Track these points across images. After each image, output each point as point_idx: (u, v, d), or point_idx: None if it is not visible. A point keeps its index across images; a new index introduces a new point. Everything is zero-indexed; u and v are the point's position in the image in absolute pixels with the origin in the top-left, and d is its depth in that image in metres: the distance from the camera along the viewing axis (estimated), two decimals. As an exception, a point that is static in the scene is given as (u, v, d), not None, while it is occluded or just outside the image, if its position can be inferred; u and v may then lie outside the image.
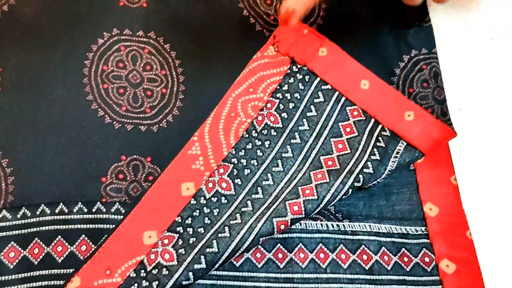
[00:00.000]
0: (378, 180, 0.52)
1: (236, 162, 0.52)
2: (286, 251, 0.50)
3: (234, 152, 0.53)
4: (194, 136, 0.53)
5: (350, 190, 0.50)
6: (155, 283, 0.45)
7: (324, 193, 0.49)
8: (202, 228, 0.48)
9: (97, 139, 0.52)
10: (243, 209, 0.49)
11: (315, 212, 0.49)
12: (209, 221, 0.49)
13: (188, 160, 0.52)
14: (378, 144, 0.53)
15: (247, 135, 0.54)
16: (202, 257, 0.46)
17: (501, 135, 0.58)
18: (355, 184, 0.50)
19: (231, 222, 0.48)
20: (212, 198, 0.50)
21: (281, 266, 0.50)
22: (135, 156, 0.52)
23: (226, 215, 0.49)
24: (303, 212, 0.48)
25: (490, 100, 0.59)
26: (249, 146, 0.53)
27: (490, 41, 0.62)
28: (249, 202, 0.50)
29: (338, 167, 0.51)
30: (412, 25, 0.61)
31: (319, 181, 0.50)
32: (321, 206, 0.49)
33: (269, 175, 0.52)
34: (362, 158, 0.52)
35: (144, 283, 0.45)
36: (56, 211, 0.48)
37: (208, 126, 0.53)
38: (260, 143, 0.53)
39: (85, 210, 0.49)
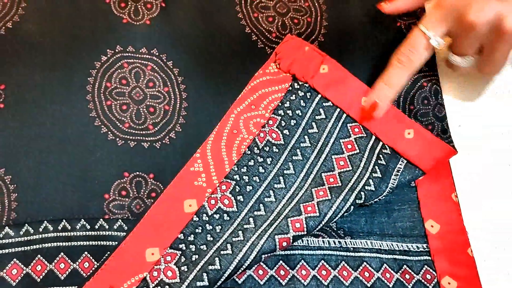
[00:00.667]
0: (380, 197, 0.52)
1: (238, 179, 0.52)
2: (288, 268, 0.50)
3: (236, 169, 0.53)
4: (196, 153, 0.53)
5: (352, 207, 0.50)
6: (157, 301, 0.45)
7: (326, 210, 0.49)
8: (204, 245, 0.48)
9: (100, 156, 0.52)
10: (245, 226, 0.49)
11: (317, 229, 0.49)
12: (211, 238, 0.49)
13: (191, 177, 0.52)
14: (379, 161, 0.53)
15: (249, 152, 0.54)
16: (205, 274, 0.46)
17: (502, 151, 0.58)
18: (357, 201, 0.50)
19: (234, 239, 0.48)
20: (215, 215, 0.50)
21: (283, 283, 0.50)
22: (138, 173, 0.52)
23: (228, 232, 0.49)
24: (305, 229, 0.48)
25: (490, 116, 0.60)
26: (251, 163, 0.53)
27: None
28: (251, 219, 0.50)
29: (340, 184, 0.52)
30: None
31: (320, 198, 0.50)
32: (323, 223, 0.49)
33: (271, 191, 0.52)
34: (363, 175, 0.52)
35: (147, 301, 0.45)
36: (59, 228, 0.48)
37: (210, 143, 0.54)
38: (262, 160, 0.54)
39: (88, 227, 0.49)
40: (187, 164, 0.52)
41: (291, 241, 0.48)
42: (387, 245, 0.52)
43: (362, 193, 0.51)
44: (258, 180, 0.53)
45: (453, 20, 0.50)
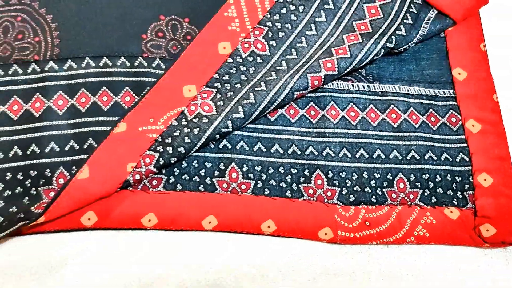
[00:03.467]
0: (410, 44, 0.53)
1: (271, 25, 0.54)
2: (318, 108, 0.52)
3: (269, 16, 0.54)
4: (229, -1, 0.54)
5: (382, 51, 0.52)
6: (196, 130, 0.47)
7: (357, 52, 0.51)
8: (239, 84, 0.51)
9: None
10: (278, 68, 0.51)
11: (348, 70, 0.51)
12: (245, 78, 0.51)
13: (225, 21, 0.53)
14: (410, 9, 0.54)
15: (281, 0, 0.55)
16: (240, 107, 0.48)
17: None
18: (388, 45, 0.51)
19: (267, 78, 0.50)
20: (248, 58, 0.52)
21: (314, 122, 0.52)
22: (173, 16, 0.53)
23: (261, 73, 0.51)
24: (336, 69, 0.50)
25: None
26: (284, 10, 0.54)
27: None
28: (283, 62, 0.52)
29: (371, 30, 0.53)
30: None
31: (352, 42, 0.51)
32: (354, 64, 0.51)
33: (303, 38, 0.53)
34: (395, 22, 0.53)
35: (186, 130, 0.48)
36: (101, 64, 0.50)
37: (243, -10, 0.54)
38: (294, 8, 0.54)
39: (128, 64, 0.51)
40: (221, 9, 0.53)
41: (322, 80, 0.50)
42: (415, 90, 0.54)
43: (393, 37, 0.52)
44: (290, 27, 0.54)
45: None
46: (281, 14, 0.54)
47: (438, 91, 0.54)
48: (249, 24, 0.53)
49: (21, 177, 0.47)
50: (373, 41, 0.51)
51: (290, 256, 0.48)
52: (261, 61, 0.52)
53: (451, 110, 0.54)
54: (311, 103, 0.53)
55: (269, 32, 0.53)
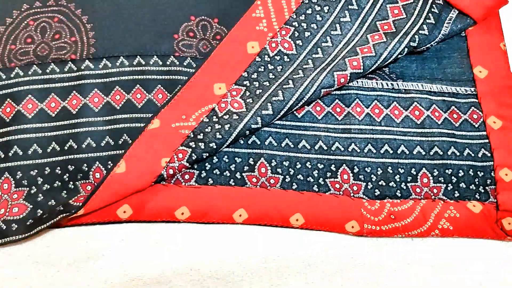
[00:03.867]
0: (432, 43, 0.55)
1: (297, 25, 0.55)
2: (343, 105, 0.54)
3: (295, 16, 0.56)
4: (257, 0, 0.56)
5: (406, 50, 0.53)
6: (227, 126, 0.49)
7: (381, 51, 0.52)
8: (267, 82, 0.52)
9: (168, 0, 0.55)
10: (304, 66, 0.53)
11: (372, 68, 0.52)
12: (273, 76, 0.53)
13: (252, 22, 0.55)
14: (432, 10, 0.55)
15: (307, 1, 0.56)
16: (269, 104, 0.50)
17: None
18: (411, 43, 0.53)
19: (294, 76, 0.52)
20: (276, 57, 0.54)
21: (339, 119, 0.54)
22: (203, 17, 0.55)
23: (289, 71, 0.53)
24: (362, 67, 0.52)
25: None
26: (309, 11, 0.56)
27: None
28: (310, 61, 0.54)
29: (394, 30, 0.54)
30: None
31: (376, 41, 0.53)
32: (378, 62, 0.52)
33: (328, 37, 0.55)
34: (417, 21, 0.54)
35: (217, 126, 0.49)
36: (134, 63, 0.52)
37: (270, -9, 0.56)
38: (319, 8, 0.56)
39: (160, 63, 0.53)
40: (249, 10, 0.55)
41: (348, 78, 0.52)
42: (437, 88, 0.56)
43: (416, 36, 0.53)
44: (315, 27, 0.56)
45: None
46: (306, 15, 0.56)
47: (460, 89, 0.56)
48: (276, 24, 0.55)
49: (59, 172, 0.49)
50: (397, 40, 0.53)
51: (318, 249, 0.50)
52: (288, 60, 0.54)
53: (473, 107, 0.55)
54: (337, 100, 0.54)
55: (296, 32, 0.55)
